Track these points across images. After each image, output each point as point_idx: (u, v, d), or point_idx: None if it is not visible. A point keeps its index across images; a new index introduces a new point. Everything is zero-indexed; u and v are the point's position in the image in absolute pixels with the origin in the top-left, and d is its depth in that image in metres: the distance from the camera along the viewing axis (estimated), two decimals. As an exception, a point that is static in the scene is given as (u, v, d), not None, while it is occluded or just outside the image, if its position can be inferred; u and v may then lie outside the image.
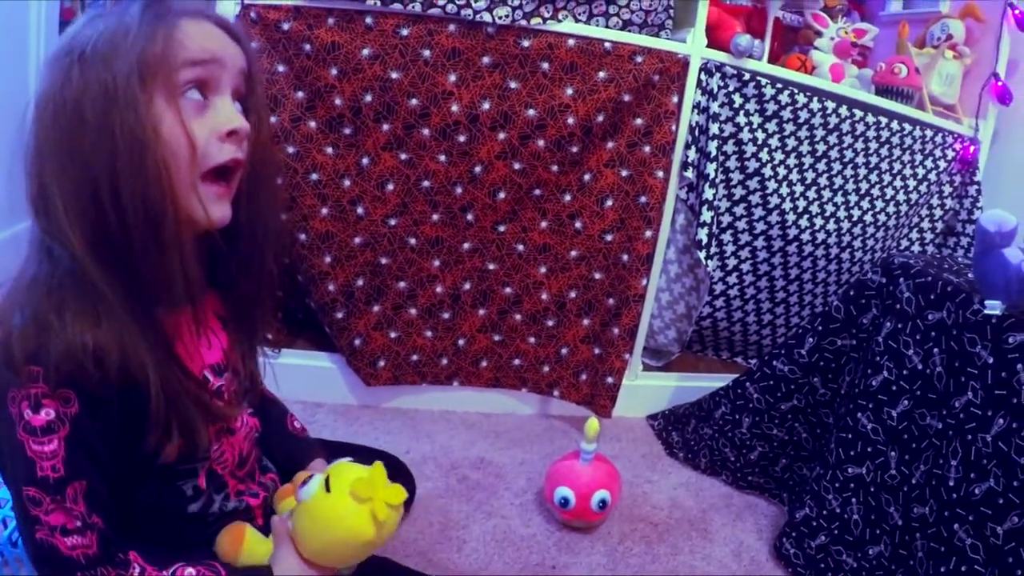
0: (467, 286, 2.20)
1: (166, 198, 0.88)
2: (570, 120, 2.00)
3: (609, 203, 2.14)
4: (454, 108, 1.97)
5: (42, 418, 0.87)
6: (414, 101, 1.96)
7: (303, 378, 2.25)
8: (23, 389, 0.87)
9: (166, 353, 0.97)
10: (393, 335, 2.21)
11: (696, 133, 2.16)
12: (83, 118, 0.86)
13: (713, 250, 2.30)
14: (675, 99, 2.10)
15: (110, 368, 0.88)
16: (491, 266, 2.19)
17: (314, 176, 2.01)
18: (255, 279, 1.17)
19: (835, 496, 1.72)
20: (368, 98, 1.95)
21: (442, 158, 2.03)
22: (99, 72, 0.86)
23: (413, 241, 2.12)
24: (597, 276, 2.22)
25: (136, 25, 0.89)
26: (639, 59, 2.02)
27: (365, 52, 1.90)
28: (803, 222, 2.30)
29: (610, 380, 2.25)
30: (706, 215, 2.15)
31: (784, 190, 2.26)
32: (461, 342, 2.25)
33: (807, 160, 2.30)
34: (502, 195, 2.08)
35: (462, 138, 2.00)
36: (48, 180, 0.89)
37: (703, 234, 2.16)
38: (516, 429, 2.30)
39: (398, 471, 1.68)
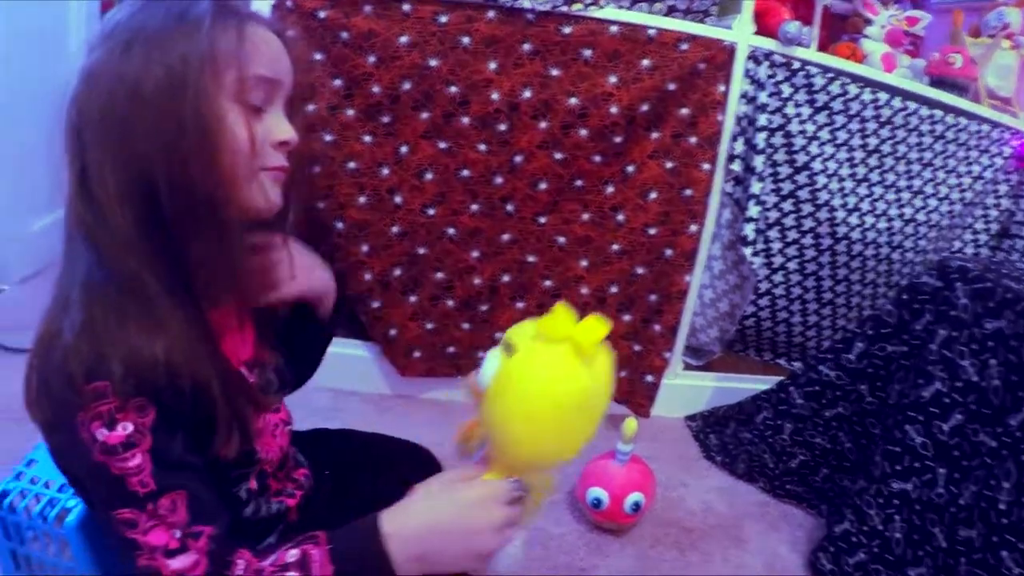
0: (506, 278, 2.16)
1: (228, 185, 0.87)
2: (613, 109, 1.94)
3: (653, 196, 2.08)
4: (494, 96, 1.92)
5: (119, 434, 0.81)
6: (453, 89, 1.91)
7: (337, 366, 2.19)
8: (91, 410, 0.81)
9: (218, 351, 0.95)
10: (429, 326, 2.18)
11: (743, 124, 2.08)
12: (143, 97, 0.82)
13: (759, 247, 2.23)
14: (722, 88, 2.02)
15: (183, 376, 0.84)
16: (531, 258, 2.14)
17: (351, 165, 1.98)
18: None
19: (878, 512, 1.66)
20: (406, 86, 1.91)
21: (482, 147, 1.98)
22: (166, 55, 0.82)
23: (452, 231, 2.08)
24: (639, 271, 2.16)
25: (209, 19, 0.85)
26: (684, 46, 1.95)
27: (403, 39, 1.86)
28: (853, 219, 2.22)
29: (649, 379, 2.20)
30: (753, 210, 2.09)
31: (834, 185, 2.18)
32: (498, 335, 2.18)
33: (858, 154, 2.22)
34: (543, 186, 2.03)
35: (502, 127, 1.95)
36: (93, 160, 0.84)
37: (749, 230, 2.10)
38: (550, 425, 2.24)
39: (429, 464, 1.65)
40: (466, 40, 1.88)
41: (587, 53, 1.92)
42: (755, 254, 2.13)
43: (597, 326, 0.86)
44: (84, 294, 0.85)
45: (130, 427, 0.82)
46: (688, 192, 2.08)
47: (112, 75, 0.83)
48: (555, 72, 1.92)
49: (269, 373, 1.17)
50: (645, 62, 1.94)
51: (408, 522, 0.90)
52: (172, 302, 0.86)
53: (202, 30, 0.84)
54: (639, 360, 2.22)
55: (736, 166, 2.10)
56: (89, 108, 0.84)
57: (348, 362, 2.28)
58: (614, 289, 2.18)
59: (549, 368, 0.85)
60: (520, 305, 2.19)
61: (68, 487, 1.49)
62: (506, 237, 2.11)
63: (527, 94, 1.92)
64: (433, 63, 1.88)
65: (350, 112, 1.94)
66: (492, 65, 1.90)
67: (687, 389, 2.43)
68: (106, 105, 0.83)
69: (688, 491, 2.05)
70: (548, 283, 2.17)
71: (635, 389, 2.22)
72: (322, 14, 1.84)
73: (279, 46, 0.94)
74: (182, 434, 0.87)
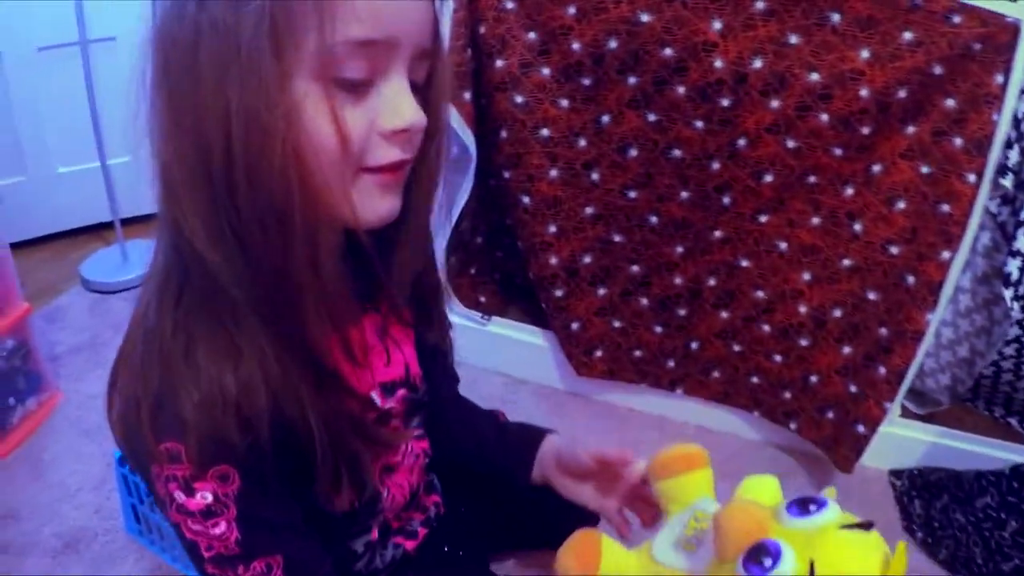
0: (711, 282, 1.89)
1: (294, 194, 0.66)
2: (863, 92, 1.61)
3: (900, 206, 1.72)
4: (717, 64, 1.63)
5: (198, 502, 0.71)
6: (668, 51, 1.65)
7: (510, 351, 2.17)
8: (165, 468, 0.70)
9: (322, 376, 0.77)
10: (616, 324, 1.98)
11: (1022, 128, 1.66)
12: (197, 67, 0.64)
13: (1023, 290, 1.82)
14: (999, 79, 1.61)
15: (260, 418, 0.70)
16: (743, 262, 1.85)
17: (544, 132, 1.81)
18: (417, 277, 0.93)
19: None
20: (612, 44, 1.67)
21: (698, 124, 1.71)
22: (221, 13, 0.63)
23: (654, 220, 1.85)
24: (871, 296, 1.82)
25: None
26: (956, 19, 1.57)
27: None
28: None
29: (861, 429, 1.86)
30: (1022, 241, 1.70)
31: (1117, 219, 1.75)
32: (693, 345, 1.96)
33: None
34: (768, 178, 1.73)
35: (725, 102, 1.67)
36: (163, 142, 0.69)
37: (1014, 267, 1.70)
38: (736, 456, 2.01)
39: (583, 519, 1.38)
40: (685, -10, 1.61)
41: (835, 18, 1.59)
42: (1016, 297, 1.73)
43: None
44: (158, 300, 0.74)
45: (210, 497, 0.71)
46: (945, 208, 1.69)
47: (168, 39, 0.67)
48: (794, 39, 1.61)
49: (420, 393, 0.99)
50: (906, 35, 1.58)
51: None
52: (253, 318, 0.71)
53: None
54: (852, 404, 1.88)
55: (1007, 182, 1.69)
56: (154, 79, 0.68)
57: (524, 349, 2.16)
58: (837, 313, 1.85)
59: None
60: (724, 315, 1.91)
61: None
62: (717, 234, 1.83)
63: (758, 64, 1.62)
64: (645, 18, 1.63)
65: (545, 71, 1.74)
66: (716, 25, 1.62)
67: (900, 440, 2.03)
68: (166, 77, 0.68)
69: (877, 569, 1.71)
70: (760, 294, 1.87)
71: (841, 436, 1.88)
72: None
73: None
74: (275, 488, 0.76)
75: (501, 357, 1.99)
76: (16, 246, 2.58)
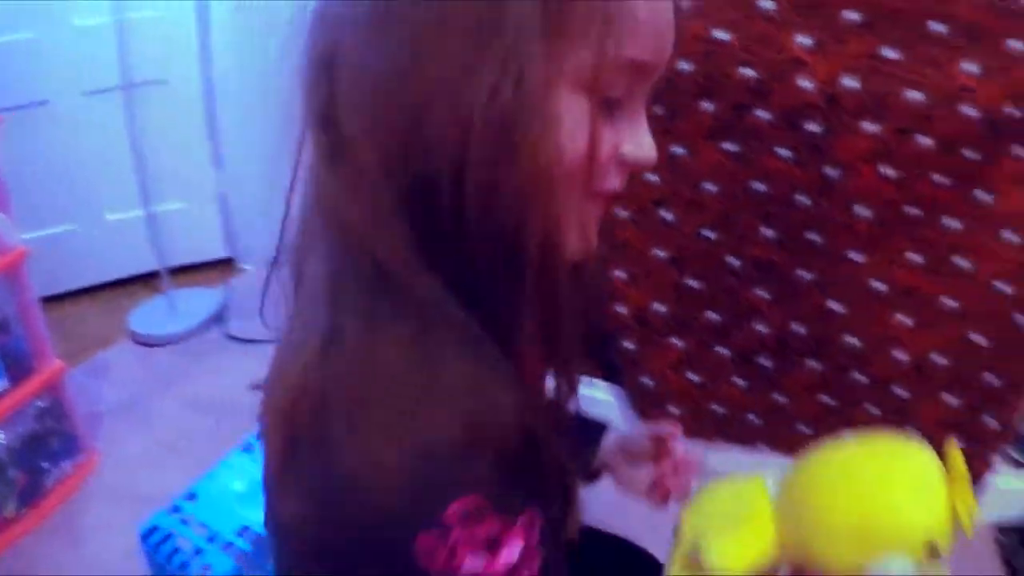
0: (800, 330, 1.75)
1: (535, 213, 0.57)
2: (970, 111, 1.44)
3: (1012, 239, 1.55)
4: (805, 84, 1.50)
5: (504, 562, 0.55)
6: (749, 72, 1.53)
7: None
8: (454, 533, 0.53)
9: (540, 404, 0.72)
10: (694, 378, 1.85)
11: None
12: (441, 39, 0.54)
13: None
14: None
15: (513, 447, 0.58)
16: (835, 307, 1.71)
17: None
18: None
19: None
20: (686, 67, 1.56)
21: (785, 154, 1.58)
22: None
23: (735, 262, 1.72)
24: (977, 340, 1.66)
25: None
26: None
27: (682, 4, 1.48)
28: None
29: None
30: None
31: None
32: (780, 399, 1.82)
33: None
34: (864, 212, 1.60)
35: (814, 127, 1.53)
36: (351, 130, 0.58)
37: None
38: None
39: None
40: (768, 4, 1.46)
41: (938, 28, 1.42)
42: None
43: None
44: (371, 336, 0.58)
45: (517, 552, 0.56)
46: (1065, 239, 1.54)
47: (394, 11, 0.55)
48: (891, 54, 1.45)
49: None
50: (1015, 44, 1.40)
51: None
52: (485, 342, 0.59)
53: None
54: (958, 459, 1.73)
55: None
56: (352, 45, 0.57)
57: (588, 406, 1.90)
58: (941, 360, 1.69)
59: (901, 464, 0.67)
60: (813, 364, 1.76)
61: (218, 537, 1.48)
62: (806, 276, 1.68)
63: (851, 83, 1.48)
64: (722, 36, 1.51)
65: (616, 102, 1.64)
66: (804, 41, 1.48)
67: (1008, 493, 1.89)
68: (380, 40, 0.56)
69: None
70: (853, 341, 1.72)
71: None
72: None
73: (669, 10, 0.60)
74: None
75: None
76: (65, 296, 2.58)
